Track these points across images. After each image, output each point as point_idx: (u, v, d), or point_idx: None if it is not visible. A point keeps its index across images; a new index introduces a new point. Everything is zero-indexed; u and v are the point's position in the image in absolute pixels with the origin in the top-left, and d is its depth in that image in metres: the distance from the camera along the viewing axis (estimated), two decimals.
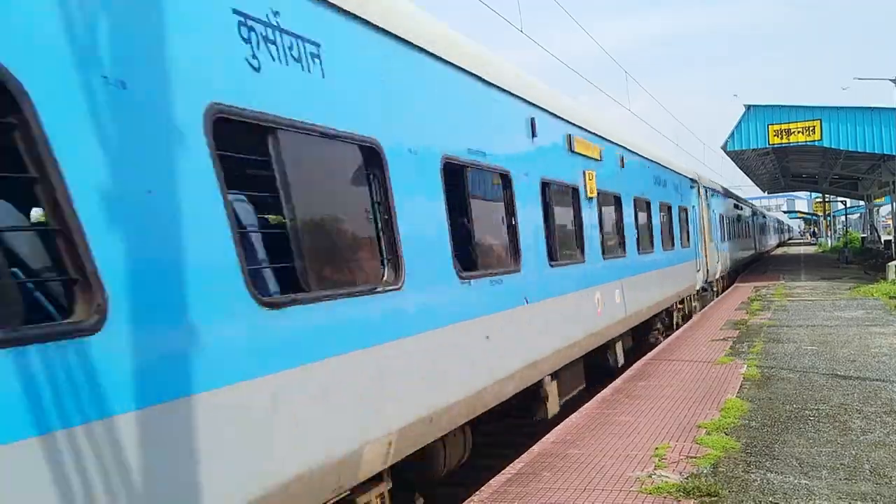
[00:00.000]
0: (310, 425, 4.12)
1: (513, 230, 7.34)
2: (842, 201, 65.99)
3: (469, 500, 6.03)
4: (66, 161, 2.91)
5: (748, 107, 26.21)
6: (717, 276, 24.74)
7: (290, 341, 4.00)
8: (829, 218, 72.61)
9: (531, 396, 8.01)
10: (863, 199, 51.77)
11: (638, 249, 12.91)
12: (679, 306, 17.73)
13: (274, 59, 4.10)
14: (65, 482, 2.78)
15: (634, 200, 12.83)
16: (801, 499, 5.60)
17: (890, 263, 25.34)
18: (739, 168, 38.56)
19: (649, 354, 13.02)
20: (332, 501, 4.44)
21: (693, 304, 19.56)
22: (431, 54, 5.92)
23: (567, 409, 8.89)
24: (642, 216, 13.58)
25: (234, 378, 3.58)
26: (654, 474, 6.28)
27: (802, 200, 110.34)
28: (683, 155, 55.92)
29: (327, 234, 4.74)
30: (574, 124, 9.63)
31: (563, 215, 9.15)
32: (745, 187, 57.22)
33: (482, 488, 6.26)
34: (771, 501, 5.57)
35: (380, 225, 5.08)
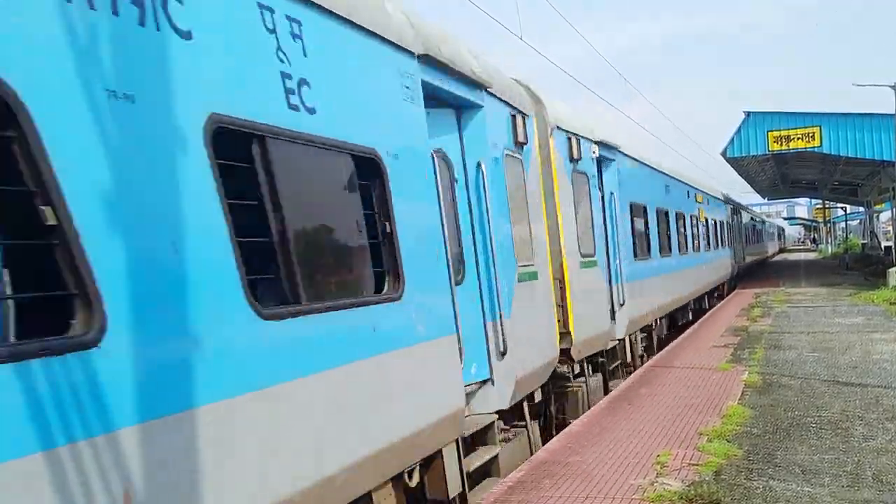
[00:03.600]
0: None
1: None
2: (842, 207, 66.01)
3: None
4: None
5: (747, 113, 26.26)
6: None
7: None
8: (829, 224, 72.63)
9: None
10: (863, 206, 51.80)
11: None
12: None
13: None
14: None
15: None
16: None
17: (890, 269, 25.32)
18: (739, 174, 38.58)
19: (650, 361, 13.01)
20: None
21: None
22: None
23: None
24: None
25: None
26: (656, 482, 6.25)
27: (802, 207, 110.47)
28: (683, 161, 55.91)
29: None
30: None
31: None
32: (746, 193, 57.28)
33: (483, 497, 6.24)
34: None
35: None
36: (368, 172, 4.89)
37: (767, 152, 26.65)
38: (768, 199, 67.15)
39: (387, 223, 4.96)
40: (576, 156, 9.74)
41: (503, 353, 6.71)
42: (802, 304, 21.33)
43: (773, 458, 6.79)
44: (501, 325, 6.69)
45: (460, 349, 5.87)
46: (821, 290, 26.06)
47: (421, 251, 5.38)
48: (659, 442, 7.53)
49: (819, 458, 6.72)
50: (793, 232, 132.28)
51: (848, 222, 73.39)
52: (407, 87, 5.43)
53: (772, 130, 25.74)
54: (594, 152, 10.70)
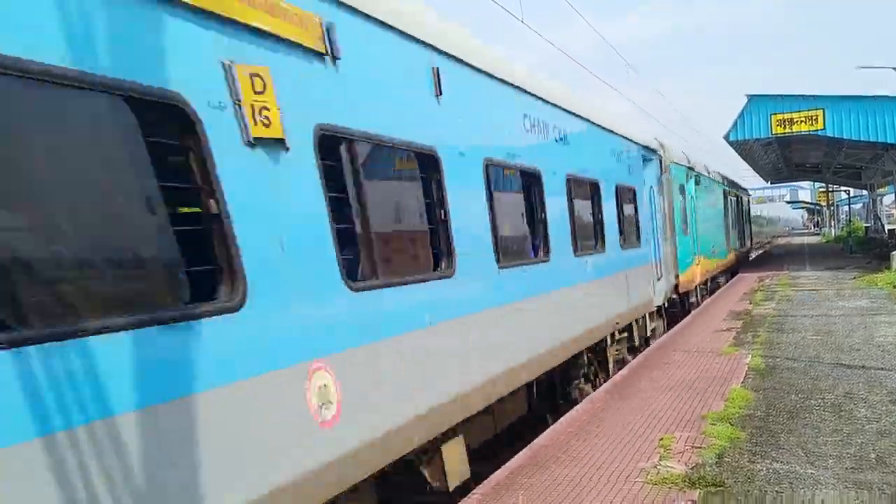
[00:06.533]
0: None
1: None
2: (845, 191, 65.76)
3: (473, 492, 6.03)
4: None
5: (750, 96, 26.09)
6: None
7: None
8: (832, 208, 72.39)
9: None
10: (866, 189, 51.60)
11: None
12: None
13: None
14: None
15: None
16: (807, 488, 5.58)
17: (894, 253, 25.25)
18: (742, 158, 38.43)
19: (653, 346, 13.01)
20: None
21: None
22: None
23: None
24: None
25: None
26: (660, 465, 6.27)
27: (805, 190, 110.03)
28: (684, 146, 55.67)
29: None
30: None
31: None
32: (749, 178, 57.18)
33: (487, 479, 6.26)
34: (777, 491, 5.56)
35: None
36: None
37: (770, 135, 26.49)
38: (771, 183, 66.94)
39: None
40: None
41: None
42: (806, 288, 21.29)
43: (776, 441, 6.80)
44: None
45: None
46: (824, 274, 26.00)
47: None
48: (662, 425, 7.54)
49: (822, 441, 6.72)
50: (795, 215, 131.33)
51: (851, 206, 73.14)
52: None
53: (775, 113, 25.56)
54: None
